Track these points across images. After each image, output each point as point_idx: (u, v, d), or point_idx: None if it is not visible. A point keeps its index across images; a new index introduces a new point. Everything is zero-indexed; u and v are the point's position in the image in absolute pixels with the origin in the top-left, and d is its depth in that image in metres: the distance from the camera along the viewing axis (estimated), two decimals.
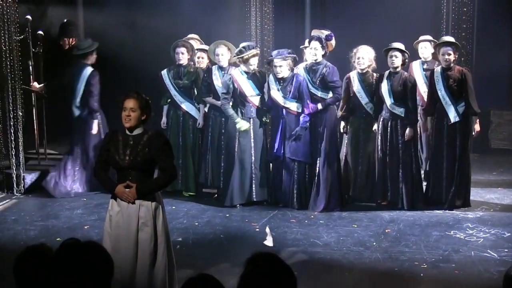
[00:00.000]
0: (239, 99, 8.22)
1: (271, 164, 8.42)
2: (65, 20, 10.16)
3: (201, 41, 9.22)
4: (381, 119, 8.16)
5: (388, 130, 8.09)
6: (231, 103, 8.23)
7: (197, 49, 8.84)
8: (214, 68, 8.61)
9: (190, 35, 9.15)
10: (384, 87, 8.05)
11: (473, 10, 11.18)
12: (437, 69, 8.15)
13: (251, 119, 8.24)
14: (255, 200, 8.29)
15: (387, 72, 8.13)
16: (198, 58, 8.82)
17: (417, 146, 8.30)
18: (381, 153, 8.15)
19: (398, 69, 8.05)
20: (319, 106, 8.02)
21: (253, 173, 8.26)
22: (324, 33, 8.10)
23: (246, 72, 8.17)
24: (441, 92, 8.02)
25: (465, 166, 8.14)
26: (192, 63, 8.76)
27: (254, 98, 8.22)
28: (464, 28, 11.10)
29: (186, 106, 8.69)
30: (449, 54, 7.94)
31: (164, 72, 8.74)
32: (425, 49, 8.69)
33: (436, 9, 11.43)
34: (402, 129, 8.04)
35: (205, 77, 8.67)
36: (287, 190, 8.16)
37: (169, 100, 8.74)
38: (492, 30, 10.01)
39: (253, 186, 8.28)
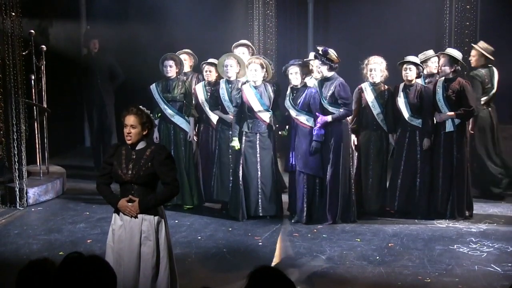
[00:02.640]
0: (247, 114, 8.23)
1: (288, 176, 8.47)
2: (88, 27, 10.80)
3: (194, 55, 9.23)
4: (399, 131, 8.27)
5: (406, 141, 8.22)
6: (241, 117, 8.24)
7: (204, 63, 8.85)
8: (222, 81, 8.62)
9: (183, 50, 9.15)
10: (401, 100, 8.17)
11: (476, 24, 11.18)
12: (440, 79, 8.24)
13: (257, 134, 8.23)
14: (261, 215, 8.27)
15: (402, 85, 8.23)
16: (206, 72, 8.83)
17: (433, 155, 8.32)
18: (401, 164, 8.25)
19: (412, 82, 8.17)
20: (329, 118, 7.93)
21: (259, 187, 8.26)
22: (319, 49, 8.08)
23: (255, 87, 8.19)
24: (440, 102, 8.13)
25: (463, 176, 8.17)
26: (180, 76, 8.74)
27: (263, 114, 8.22)
28: (466, 42, 11.10)
29: (176, 119, 8.67)
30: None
31: (153, 86, 8.69)
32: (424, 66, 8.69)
33: (439, 23, 11.45)
34: (420, 140, 8.16)
35: (213, 90, 8.69)
36: (298, 203, 8.15)
37: (159, 114, 8.72)
38: (495, 44, 10.00)
39: (259, 201, 8.26)
